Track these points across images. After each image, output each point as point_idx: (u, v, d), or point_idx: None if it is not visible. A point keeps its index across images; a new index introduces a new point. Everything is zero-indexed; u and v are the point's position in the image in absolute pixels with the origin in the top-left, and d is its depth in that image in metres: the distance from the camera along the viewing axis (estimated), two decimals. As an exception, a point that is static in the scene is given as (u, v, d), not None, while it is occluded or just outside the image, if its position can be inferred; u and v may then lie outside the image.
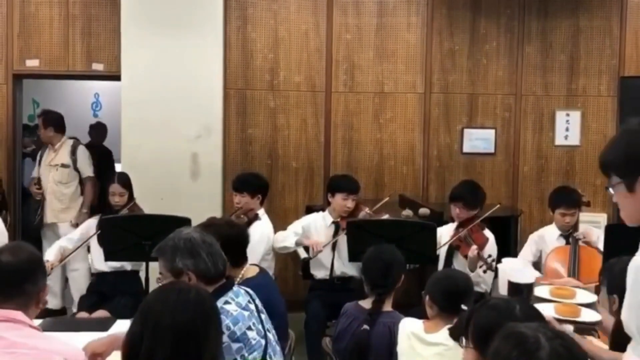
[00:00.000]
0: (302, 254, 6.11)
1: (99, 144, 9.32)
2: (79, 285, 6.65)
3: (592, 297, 3.20)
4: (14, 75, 7.27)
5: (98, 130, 9.46)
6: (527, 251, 5.82)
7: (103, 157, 8.92)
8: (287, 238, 5.67)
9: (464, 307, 3.43)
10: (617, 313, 2.86)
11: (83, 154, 7.09)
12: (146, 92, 6.84)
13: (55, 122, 7.10)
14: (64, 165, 6.97)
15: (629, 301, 2.39)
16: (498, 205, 5.83)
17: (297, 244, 5.70)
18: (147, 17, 6.83)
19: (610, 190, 2.44)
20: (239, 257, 3.95)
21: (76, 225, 6.49)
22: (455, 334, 3.28)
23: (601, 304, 3.03)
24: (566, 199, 5.70)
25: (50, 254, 5.50)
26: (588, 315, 2.74)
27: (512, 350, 1.76)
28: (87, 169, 7.07)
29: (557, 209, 5.69)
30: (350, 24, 7.27)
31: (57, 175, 6.96)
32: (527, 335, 1.78)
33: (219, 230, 3.73)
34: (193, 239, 3.13)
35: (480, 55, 7.33)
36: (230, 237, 3.84)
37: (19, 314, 2.64)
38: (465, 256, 5.34)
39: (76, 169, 7.02)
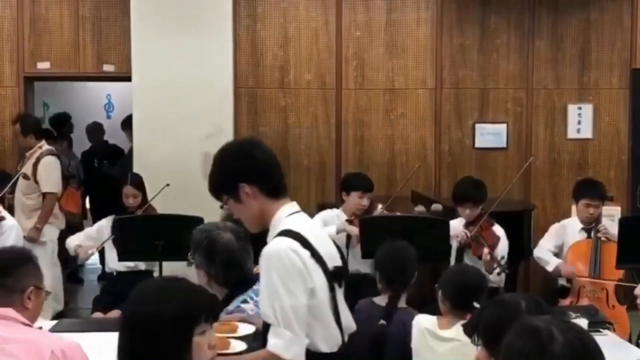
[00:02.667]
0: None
1: (104, 144, 9.37)
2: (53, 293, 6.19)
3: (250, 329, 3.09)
4: (25, 78, 7.29)
5: (93, 131, 9.45)
6: (549, 242, 5.77)
7: (116, 157, 8.95)
8: (325, 228, 5.58)
9: (476, 304, 3.42)
10: None
11: (44, 166, 6.47)
12: (157, 92, 6.86)
13: (35, 127, 6.65)
14: (25, 176, 6.48)
15: (262, 288, 2.59)
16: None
17: (339, 231, 5.59)
18: (157, 17, 6.85)
19: (225, 207, 2.70)
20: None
21: (30, 239, 6.20)
22: (468, 332, 3.28)
23: None
24: (591, 190, 5.67)
25: (74, 242, 5.66)
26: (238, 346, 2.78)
27: (526, 344, 1.75)
28: (46, 184, 6.46)
29: (581, 199, 5.63)
30: (359, 20, 7.26)
31: (22, 185, 6.50)
32: (541, 328, 1.77)
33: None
34: (215, 242, 3.15)
35: (490, 50, 7.30)
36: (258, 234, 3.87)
37: (9, 311, 2.63)
38: (478, 256, 5.31)
39: (36, 182, 6.48)
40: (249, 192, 2.66)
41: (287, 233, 2.61)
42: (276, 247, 2.57)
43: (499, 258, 5.13)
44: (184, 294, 2.16)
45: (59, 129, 8.66)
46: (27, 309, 2.73)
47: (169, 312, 2.09)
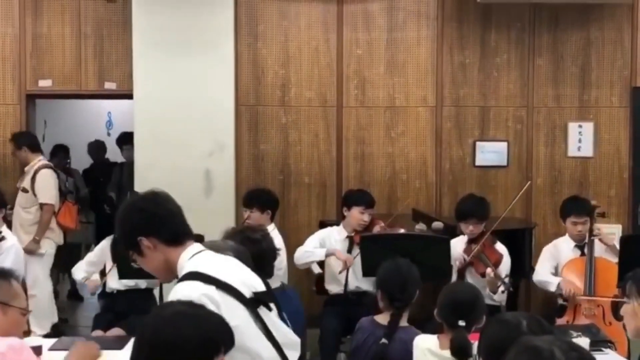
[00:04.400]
0: (316, 269, 6.10)
1: (106, 162, 9.37)
2: (40, 311, 6.31)
3: None
4: (27, 96, 7.32)
5: (95, 149, 9.47)
6: (545, 265, 5.78)
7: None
8: (314, 253, 5.67)
9: (461, 323, 3.41)
10: None
11: (43, 179, 6.71)
12: (158, 110, 6.88)
13: (28, 142, 6.84)
14: (24, 190, 6.71)
15: None
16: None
17: (328, 254, 5.66)
18: (158, 35, 6.87)
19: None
20: (265, 270, 3.96)
21: (28, 252, 6.29)
22: (455, 353, 3.28)
23: (628, 317, 3.01)
24: (576, 207, 5.69)
25: (79, 273, 5.70)
26: None
27: (527, 364, 1.75)
28: (43, 195, 6.67)
29: (567, 217, 5.69)
30: (360, 39, 7.28)
31: (21, 199, 6.72)
32: (542, 348, 1.77)
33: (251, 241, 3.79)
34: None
35: (491, 68, 7.32)
36: (260, 249, 3.87)
37: None
38: (481, 274, 5.31)
39: (34, 194, 6.69)
40: (149, 245, 2.70)
41: (186, 276, 2.63)
42: (175, 296, 2.57)
43: (502, 276, 5.13)
44: (206, 323, 2.12)
45: (52, 158, 8.68)
46: None
47: (191, 341, 2.05)
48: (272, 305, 2.76)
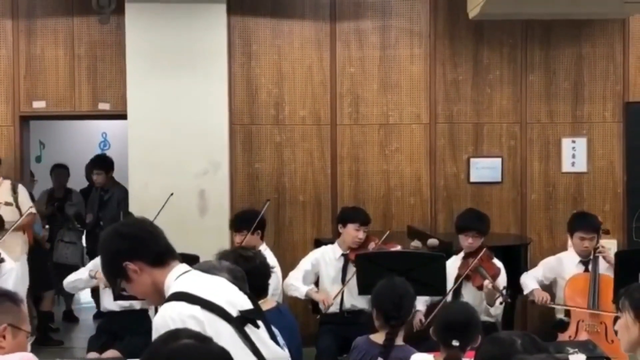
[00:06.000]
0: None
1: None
2: None
3: None
4: (20, 117, 7.32)
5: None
6: (538, 271, 5.83)
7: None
8: (298, 289, 5.70)
9: (455, 342, 3.40)
10: None
11: (22, 192, 6.90)
12: (153, 130, 6.89)
13: None
14: (7, 203, 6.75)
15: None
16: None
17: (307, 296, 5.72)
18: (152, 55, 6.89)
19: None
20: (260, 286, 3.96)
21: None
22: None
23: (622, 331, 3.02)
24: (585, 223, 5.71)
25: (82, 273, 5.70)
26: None
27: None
28: (27, 204, 6.81)
29: (575, 232, 5.69)
30: (353, 57, 7.31)
31: (3, 214, 6.62)
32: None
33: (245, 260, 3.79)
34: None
35: (484, 85, 7.35)
36: (254, 266, 3.88)
37: None
38: (478, 287, 5.32)
39: (18, 207, 6.78)
40: (135, 269, 2.71)
41: (172, 297, 2.64)
42: (162, 316, 2.58)
43: (500, 288, 5.15)
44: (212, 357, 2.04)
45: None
46: (2, 348, 2.71)
47: None
48: (259, 322, 2.76)
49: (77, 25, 7.23)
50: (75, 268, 7.92)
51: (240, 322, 2.68)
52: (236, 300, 2.75)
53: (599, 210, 7.18)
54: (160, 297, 2.76)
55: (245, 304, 2.77)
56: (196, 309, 2.59)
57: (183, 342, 2.03)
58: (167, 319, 2.55)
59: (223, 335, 2.59)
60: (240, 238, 5.66)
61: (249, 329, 2.70)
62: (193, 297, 2.61)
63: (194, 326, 2.48)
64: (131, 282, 2.74)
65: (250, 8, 7.25)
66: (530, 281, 5.75)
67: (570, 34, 7.32)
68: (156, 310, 4.98)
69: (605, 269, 5.61)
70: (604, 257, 5.61)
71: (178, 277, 2.72)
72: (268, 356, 2.73)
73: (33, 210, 6.86)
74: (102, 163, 8.20)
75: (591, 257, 5.61)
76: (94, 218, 8.00)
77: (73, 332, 8.26)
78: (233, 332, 2.65)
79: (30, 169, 8.23)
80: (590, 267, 5.59)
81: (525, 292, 5.74)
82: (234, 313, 2.68)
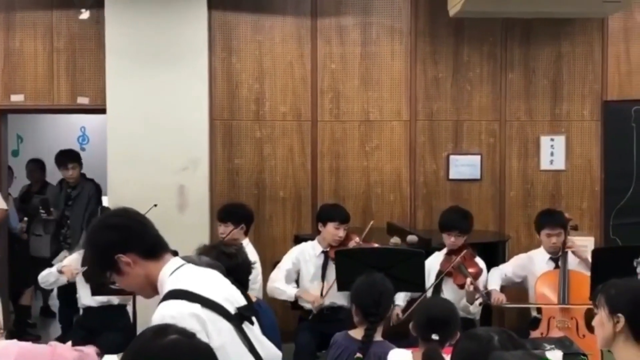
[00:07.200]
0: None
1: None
2: None
3: None
4: (-2, 111, 7.27)
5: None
6: (508, 268, 5.87)
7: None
8: (285, 292, 5.71)
9: (434, 336, 3.43)
10: (621, 332, 2.91)
11: None
12: (132, 125, 6.85)
13: None
14: None
15: None
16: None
17: (296, 298, 5.74)
18: (132, 50, 6.85)
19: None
20: (241, 283, 3.94)
21: None
22: None
23: (597, 327, 3.06)
24: (550, 220, 5.76)
25: (52, 268, 5.62)
26: None
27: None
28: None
29: (542, 230, 5.76)
30: (334, 53, 7.31)
31: None
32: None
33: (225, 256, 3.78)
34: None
35: (464, 83, 7.38)
36: (236, 263, 3.87)
37: None
38: (459, 285, 5.35)
39: None
40: (128, 261, 2.64)
41: (171, 295, 2.58)
42: (162, 314, 2.52)
43: (481, 288, 5.18)
44: (199, 355, 2.03)
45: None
46: None
47: None
48: (254, 319, 2.75)
49: (57, 18, 7.17)
50: (47, 260, 7.92)
51: (238, 319, 2.65)
52: (232, 297, 2.72)
53: (576, 208, 7.25)
54: (152, 291, 2.71)
55: (241, 299, 2.75)
56: (197, 307, 2.54)
57: (171, 338, 2.01)
58: (167, 317, 2.46)
59: (224, 333, 2.58)
60: (224, 229, 5.66)
61: (246, 326, 2.68)
62: (193, 295, 2.56)
63: (195, 324, 2.46)
64: (123, 275, 2.67)
65: (231, 3, 7.23)
66: (493, 279, 5.75)
67: (550, 33, 7.36)
68: (134, 306, 4.98)
69: (575, 264, 5.66)
70: (573, 252, 5.65)
71: (173, 272, 2.66)
72: (263, 354, 2.72)
73: (3, 206, 6.72)
74: (75, 156, 7.83)
75: (560, 253, 5.66)
76: (58, 216, 7.77)
77: (50, 327, 8.22)
78: (232, 330, 2.63)
79: (9, 165, 8.12)
80: (559, 263, 5.63)
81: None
82: (232, 310, 2.65)
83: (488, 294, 5.47)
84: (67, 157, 7.73)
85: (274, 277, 5.77)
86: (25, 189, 8.40)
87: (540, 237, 5.79)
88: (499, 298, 5.56)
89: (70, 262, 5.67)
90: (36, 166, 8.47)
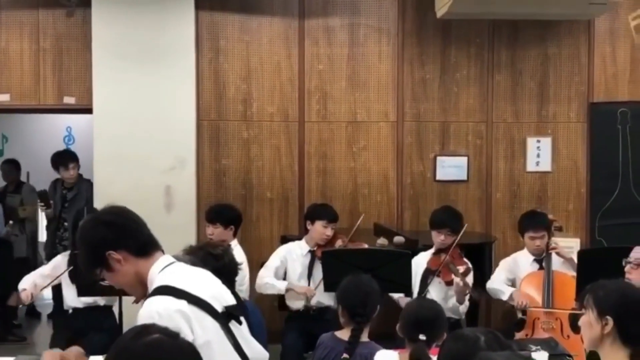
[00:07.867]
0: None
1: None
2: None
3: None
4: (-16, 110, 7.22)
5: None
6: (501, 274, 5.85)
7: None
8: (275, 286, 5.70)
9: (422, 337, 3.43)
10: (609, 334, 2.91)
11: None
12: (118, 125, 6.83)
13: None
14: None
15: None
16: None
17: (287, 290, 5.73)
18: (118, 50, 6.83)
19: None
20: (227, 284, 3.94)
21: None
22: None
23: (585, 328, 3.06)
24: (533, 222, 5.77)
25: (25, 283, 5.45)
26: None
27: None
28: None
29: (525, 232, 5.77)
30: (322, 54, 7.31)
31: None
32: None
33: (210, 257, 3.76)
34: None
35: (451, 84, 7.39)
36: (223, 264, 3.86)
37: None
38: (447, 282, 5.37)
39: None
40: (119, 258, 2.65)
41: (158, 291, 2.58)
42: (148, 310, 2.52)
43: (470, 285, 5.21)
44: (181, 355, 2.00)
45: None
46: None
47: None
48: (242, 319, 2.74)
49: (43, 17, 7.14)
50: (25, 260, 7.89)
51: (225, 317, 2.65)
52: (221, 295, 2.72)
53: (562, 210, 7.28)
54: (142, 289, 2.70)
55: (230, 298, 2.75)
56: (183, 304, 2.54)
57: (154, 337, 2.01)
58: (153, 313, 2.48)
59: (209, 330, 2.58)
60: (212, 230, 5.64)
61: (233, 325, 2.68)
62: (179, 292, 2.56)
63: (180, 321, 2.47)
64: (113, 272, 2.67)
65: (219, 3, 7.22)
66: (501, 286, 5.70)
67: (537, 35, 7.39)
68: (120, 306, 4.96)
69: (559, 265, 5.67)
70: (557, 253, 5.67)
71: (162, 270, 2.66)
72: (249, 354, 2.71)
73: None
74: (75, 156, 7.79)
75: (544, 254, 5.67)
76: (55, 218, 7.74)
77: (36, 328, 8.18)
78: (218, 328, 2.62)
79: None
80: (544, 264, 5.64)
81: (504, 298, 5.65)
82: (219, 308, 2.65)
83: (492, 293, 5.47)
84: (68, 158, 7.72)
85: (262, 275, 5.77)
86: (1, 190, 8.39)
87: (524, 239, 5.80)
88: (523, 301, 5.44)
89: (56, 265, 5.63)
90: (11, 167, 8.45)
